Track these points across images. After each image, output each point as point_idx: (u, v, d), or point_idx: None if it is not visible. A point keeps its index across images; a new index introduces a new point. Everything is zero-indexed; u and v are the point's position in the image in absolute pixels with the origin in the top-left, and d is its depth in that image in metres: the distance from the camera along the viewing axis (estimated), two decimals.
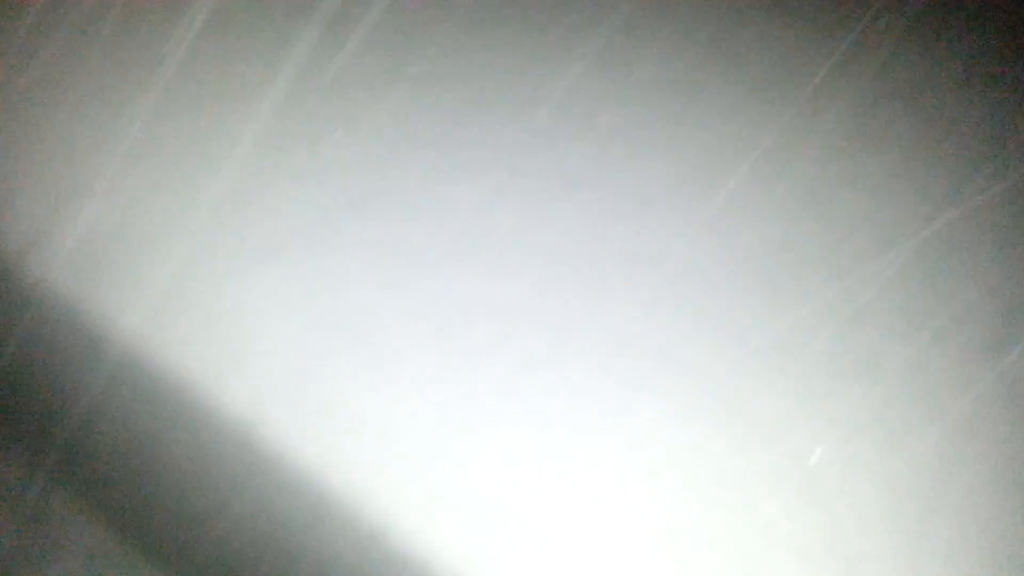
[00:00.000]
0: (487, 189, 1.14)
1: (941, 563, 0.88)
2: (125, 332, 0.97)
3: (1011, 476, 0.86)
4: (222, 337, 0.96)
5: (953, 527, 0.88)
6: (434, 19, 1.28)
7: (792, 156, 1.01)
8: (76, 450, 1.28)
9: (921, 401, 0.90)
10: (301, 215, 1.07)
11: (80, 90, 1.14)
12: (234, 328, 0.97)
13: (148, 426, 1.07)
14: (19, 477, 1.30)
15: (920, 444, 0.89)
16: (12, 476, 1.30)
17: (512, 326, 0.96)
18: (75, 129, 1.09)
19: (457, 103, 1.22)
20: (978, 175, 0.88)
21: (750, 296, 0.98)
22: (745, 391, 0.93)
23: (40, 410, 1.29)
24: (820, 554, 0.89)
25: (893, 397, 0.91)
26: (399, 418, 0.92)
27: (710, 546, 0.89)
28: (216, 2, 1.24)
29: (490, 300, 1.00)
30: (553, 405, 0.90)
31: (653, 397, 0.94)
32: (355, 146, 1.19)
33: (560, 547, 0.91)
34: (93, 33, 1.23)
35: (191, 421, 0.97)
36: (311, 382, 0.96)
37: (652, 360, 0.96)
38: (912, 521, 0.88)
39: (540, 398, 0.93)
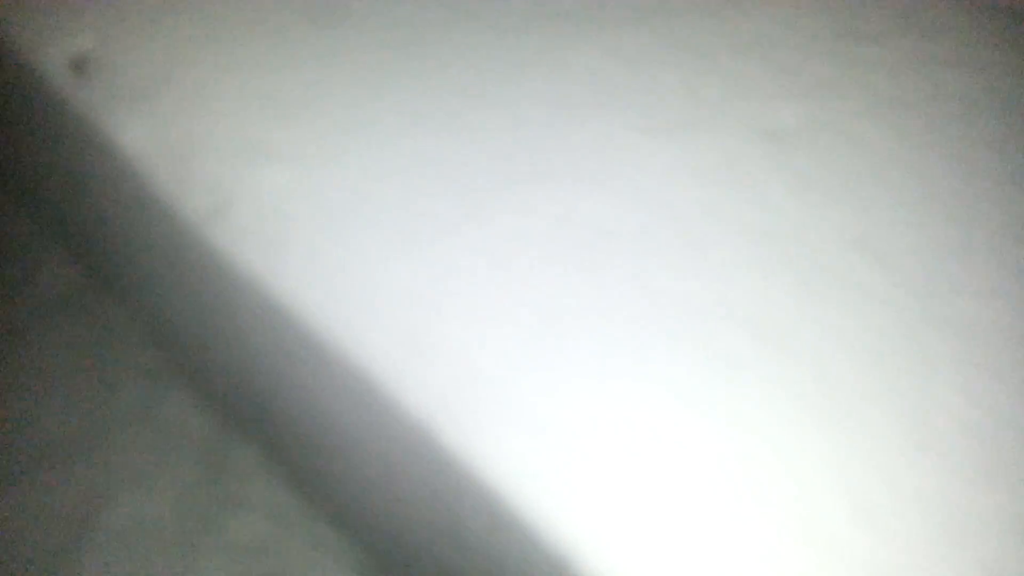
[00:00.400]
0: (679, 154, 1.04)
1: None
2: (303, 310, 0.94)
3: None
4: (400, 323, 0.91)
5: None
6: None
7: None
8: (264, 412, 1.30)
9: None
10: (479, 188, 1.01)
11: (274, 54, 1.11)
12: (412, 313, 0.92)
13: (325, 397, 1.06)
14: (211, 432, 1.35)
15: None
16: (205, 431, 1.35)
17: (707, 318, 0.86)
18: (268, 94, 1.07)
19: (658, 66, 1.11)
20: None
21: None
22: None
23: (225, 367, 1.32)
24: None
25: None
26: (583, 423, 0.85)
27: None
28: None
29: (682, 289, 0.90)
30: (754, 414, 0.80)
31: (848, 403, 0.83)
32: (536, 108, 1.11)
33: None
34: None
35: (370, 406, 0.94)
36: (491, 380, 0.90)
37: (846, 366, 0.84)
38: None
39: (750, 408, 0.83)
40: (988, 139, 0.96)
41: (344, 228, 0.97)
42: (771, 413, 0.81)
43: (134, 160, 1.04)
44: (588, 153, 1.06)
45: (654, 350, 0.88)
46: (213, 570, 1.23)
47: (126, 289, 1.45)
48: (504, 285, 0.94)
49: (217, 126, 1.04)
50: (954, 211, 0.89)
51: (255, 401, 1.27)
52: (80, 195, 1.38)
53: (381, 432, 0.98)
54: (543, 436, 0.80)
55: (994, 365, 0.77)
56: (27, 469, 1.28)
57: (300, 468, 1.30)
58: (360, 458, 1.10)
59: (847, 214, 0.91)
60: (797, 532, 0.75)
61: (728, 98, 1.09)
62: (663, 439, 0.82)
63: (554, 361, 0.85)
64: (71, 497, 1.27)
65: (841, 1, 1.09)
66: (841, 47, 1.06)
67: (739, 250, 0.93)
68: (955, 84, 1.00)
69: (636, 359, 0.84)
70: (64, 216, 1.54)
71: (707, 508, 0.79)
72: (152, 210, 1.07)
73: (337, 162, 1.01)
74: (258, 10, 1.16)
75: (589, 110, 1.11)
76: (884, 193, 0.92)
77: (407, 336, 0.91)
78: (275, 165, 1.00)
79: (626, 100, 1.13)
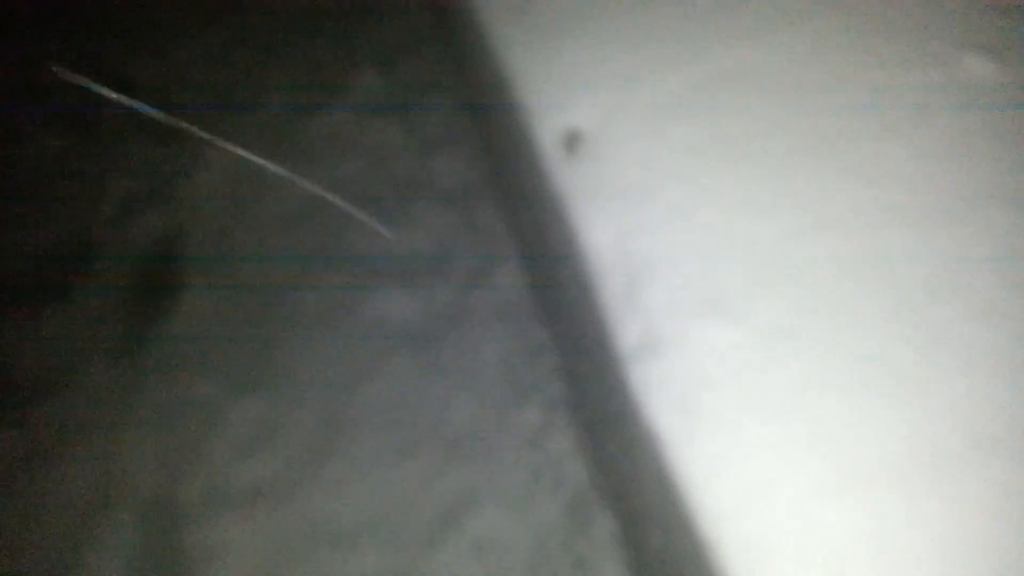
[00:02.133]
0: None
1: None
2: (693, 508, 0.86)
3: None
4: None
5: None
6: None
7: None
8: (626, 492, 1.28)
9: None
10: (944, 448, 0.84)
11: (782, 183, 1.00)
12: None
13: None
14: (584, 485, 1.36)
15: None
16: (580, 480, 1.36)
17: None
18: (749, 236, 0.97)
19: None
20: None
21: None
22: None
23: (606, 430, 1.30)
24: None
25: None
26: None
27: None
28: None
29: None
30: None
31: None
32: None
33: None
34: None
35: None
36: None
37: None
38: None
39: None
40: None
41: (770, 439, 0.86)
42: None
43: (588, 266, 1.01)
44: None
45: None
46: None
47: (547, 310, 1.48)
48: None
49: (678, 261, 0.97)
50: None
51: (620, 478, 1.24)
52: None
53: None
54: None
55: None
56: (419, 445, 1.40)
57: (647, 559, 1.27)
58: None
59: None
60: None
61: None
62: None
63: None
64: (445, 491, 1.37)
65: None
66: None
67: None
68: None
69: None
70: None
71: None
72: (590, 328, 1.05)
73: (796, 350, 0.89)
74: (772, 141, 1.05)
75: None
76: None
77: None
78: (722, 324, 0.91)
79: None
